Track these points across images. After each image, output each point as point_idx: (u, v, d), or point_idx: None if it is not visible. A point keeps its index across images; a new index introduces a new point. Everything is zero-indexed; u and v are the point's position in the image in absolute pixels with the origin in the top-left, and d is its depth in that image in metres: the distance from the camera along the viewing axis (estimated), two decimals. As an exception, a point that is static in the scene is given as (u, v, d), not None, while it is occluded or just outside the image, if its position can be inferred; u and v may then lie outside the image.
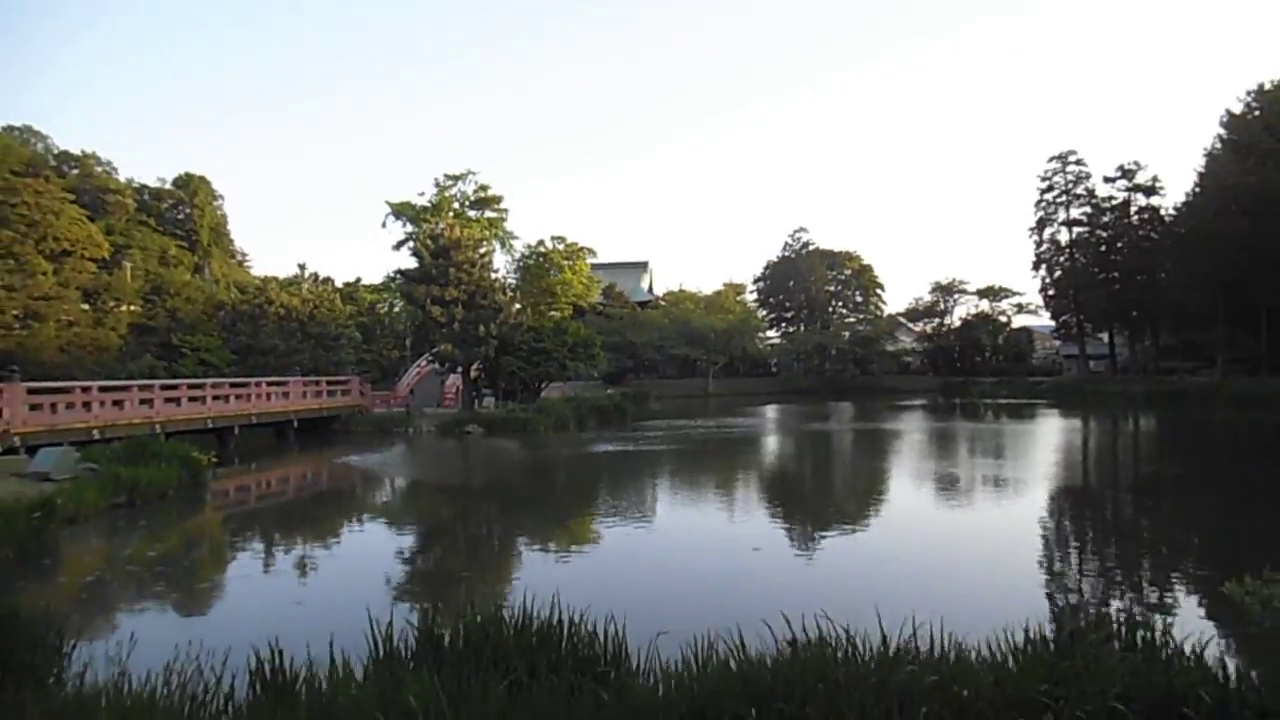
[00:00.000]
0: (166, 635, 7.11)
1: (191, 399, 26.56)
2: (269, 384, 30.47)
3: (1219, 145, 49.05)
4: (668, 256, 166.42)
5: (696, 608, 8.38)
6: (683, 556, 12.02)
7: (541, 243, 68.27)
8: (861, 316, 73.19)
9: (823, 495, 19.36)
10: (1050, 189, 58.98)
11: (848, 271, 73.49)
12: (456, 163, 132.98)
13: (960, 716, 4.16)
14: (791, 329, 75.04)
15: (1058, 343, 68.68)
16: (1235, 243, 43.14)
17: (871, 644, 4.99)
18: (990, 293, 68.58)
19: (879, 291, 74.60)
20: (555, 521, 15.75)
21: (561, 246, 68.19)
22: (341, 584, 10.70)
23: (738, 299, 71.04)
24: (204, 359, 44.99)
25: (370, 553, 13.08)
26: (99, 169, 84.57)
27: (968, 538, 12.94)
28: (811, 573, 10.84)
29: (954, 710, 4.16)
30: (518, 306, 37.33)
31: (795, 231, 75.34)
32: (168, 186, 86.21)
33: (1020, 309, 67.47)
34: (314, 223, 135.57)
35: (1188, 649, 4.92)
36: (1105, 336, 61.46)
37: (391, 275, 38.84)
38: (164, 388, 25.91)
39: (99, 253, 76.31)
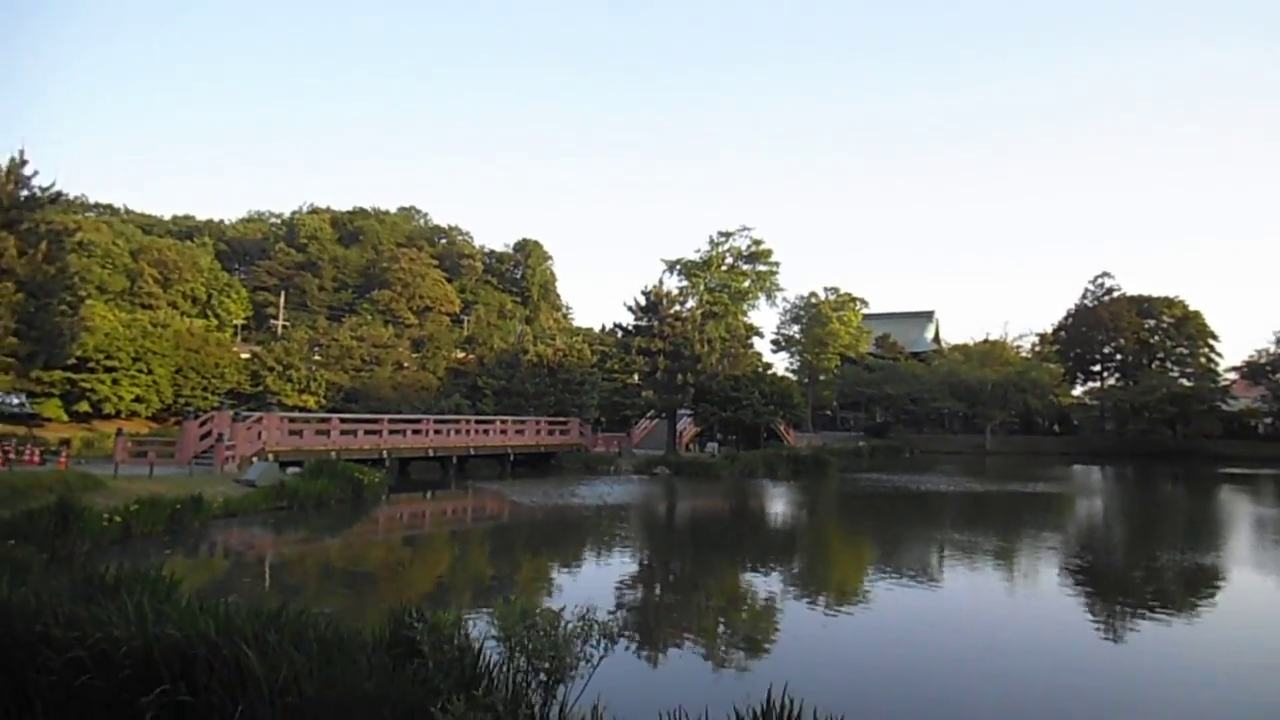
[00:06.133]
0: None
1: (415, 431, 32.52)
2: (478, 422, 35.84)
3: None
4: (959, 307, 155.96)
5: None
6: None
7: (814, 294, 69.14)
8: (1188, 370, 62.73)
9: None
10: None
11: (1168, 320, 63.62)
12: (742, 216, 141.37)
13: None
14: (1096, 384, 66.73)
15: None
16: None
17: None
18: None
19: (1210, 341, 63.40)
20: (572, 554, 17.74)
21: (833, 297, 68.43)
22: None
23: (1019, 349, 65.35)
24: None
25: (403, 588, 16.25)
26: (460, 238, 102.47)
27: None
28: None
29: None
30: (716, 357, 38.99)
31: (1097, 277, 67.34)
32: (508, 250, 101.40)
33: None
34: (619, 278, 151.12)
35: None
36: None
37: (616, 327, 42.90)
38: (391, 421, 32.06)
39: (452, 308, 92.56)
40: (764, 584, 14.66)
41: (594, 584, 14.53)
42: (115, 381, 46.10)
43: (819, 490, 32.20)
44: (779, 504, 28.21)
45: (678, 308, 39.45)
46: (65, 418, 45.58)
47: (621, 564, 16.62)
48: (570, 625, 5.72)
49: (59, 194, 26.58)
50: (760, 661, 9.48)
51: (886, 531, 21.98)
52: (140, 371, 47.20)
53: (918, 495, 30.45)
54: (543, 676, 5.49)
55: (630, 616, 11.43)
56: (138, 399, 47.54)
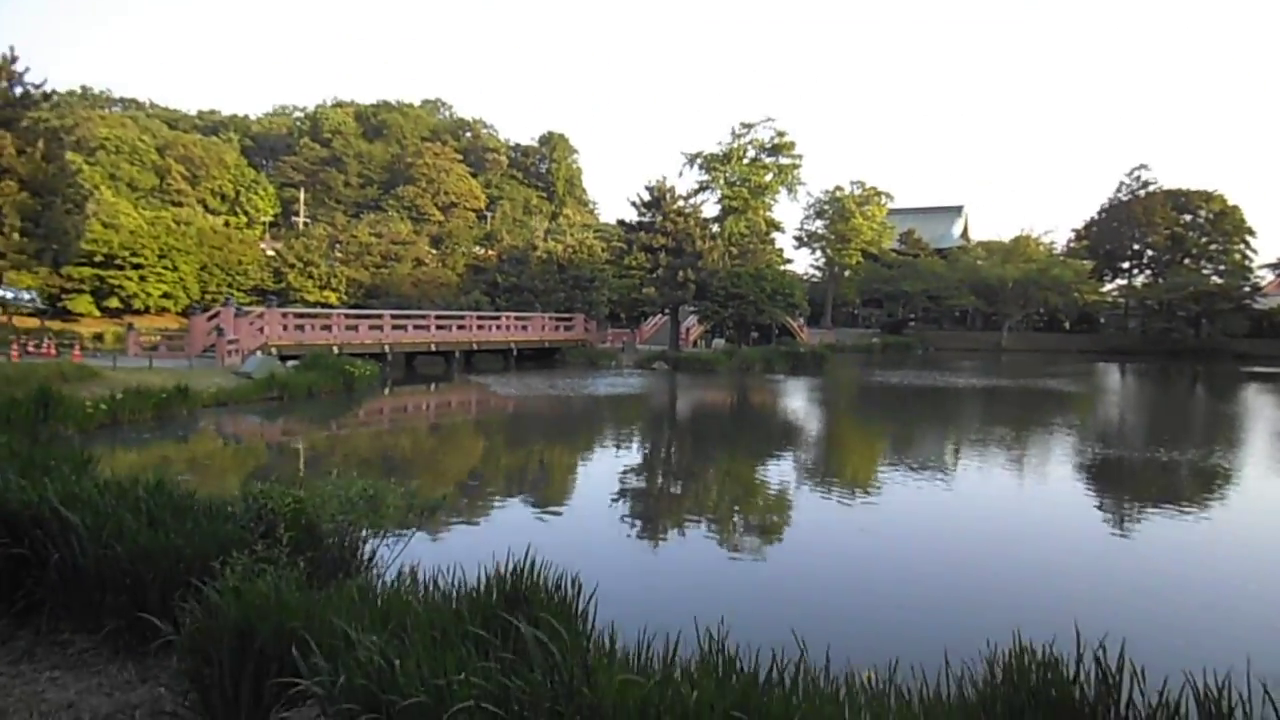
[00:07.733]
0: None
1: (417, 327, 33.45)
2: (482, 318, 36.66)
3: None
4: (991, 202, 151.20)
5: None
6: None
7: (838, 188, 67.72)
8: (1221, 267, 60.86)
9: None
10: None
11: (1204, 215, 61.31)
12: (767, 107, 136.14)
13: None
14: (1124, 281, 65.20)
15: None
16: None
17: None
18: None
19: (1246, 238, 61.15)
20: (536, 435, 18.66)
21: (858, 191, 66.97)
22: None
23: (1051, 246, 63.90)
24: (516, 294, 53.65)
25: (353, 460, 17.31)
26: (485, 131, 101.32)
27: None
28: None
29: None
30: (718, 253, 39.00)
31: (1134, 170, 64.73)
32: (534, 144, 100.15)
33: None
34: (647, 171, 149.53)
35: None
36: None
37: (618, 223, 42.90)
38: (394, 317, 32.97)
39: (477, 204, 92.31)
40: (696, 457, 15.43)
41: (528, 459, 15.43)
42: (142, 279, 47.64)
43: (813, 385, 32.71)
44: (755, 395, 28.81)
45: (680, 203, 39.25)
46: (97, 313, 47.49)
47: (568, 445, 17.52)
48: (371, 494, 6.41)
49: (53, 91, 27.13)
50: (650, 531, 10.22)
51: (835, 417, 22.79)
52: (166, 268, 48.65)
53: (905, 389, 31.18)
54: (345, 539, 6.20)
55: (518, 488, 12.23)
56: (165, 295, 49.19)
